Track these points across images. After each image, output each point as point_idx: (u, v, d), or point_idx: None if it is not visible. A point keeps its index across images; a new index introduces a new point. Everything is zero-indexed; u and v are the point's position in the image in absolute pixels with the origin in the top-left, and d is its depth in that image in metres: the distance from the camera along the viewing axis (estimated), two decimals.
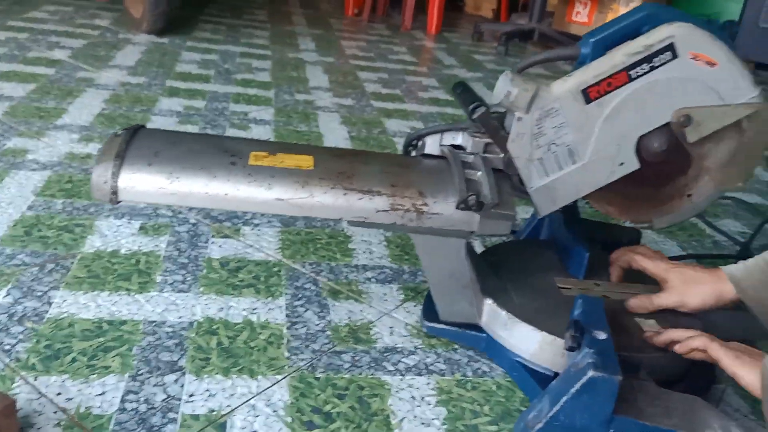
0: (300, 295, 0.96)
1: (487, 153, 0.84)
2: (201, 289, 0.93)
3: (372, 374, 0.81)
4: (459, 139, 0.86)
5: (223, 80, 2.05)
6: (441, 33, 3.67)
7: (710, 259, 1.27)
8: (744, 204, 1.59)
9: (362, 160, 0.80)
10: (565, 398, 0.66)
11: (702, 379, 0.84)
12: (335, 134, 1.71)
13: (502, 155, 0.83)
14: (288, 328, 0.88)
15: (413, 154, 0.90)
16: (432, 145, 0.87)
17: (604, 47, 0.82)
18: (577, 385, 0.66)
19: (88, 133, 1.46)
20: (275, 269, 1.02)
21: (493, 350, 0.87)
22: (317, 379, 0.79)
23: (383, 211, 0.76)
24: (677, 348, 0.76)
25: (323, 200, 0.75)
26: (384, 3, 4.06)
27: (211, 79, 2.05)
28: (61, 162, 1.30)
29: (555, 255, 0.99)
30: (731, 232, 1.42)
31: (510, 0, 4.38)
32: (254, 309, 0.91)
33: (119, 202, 0.72)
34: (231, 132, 1.60)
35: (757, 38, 3.96)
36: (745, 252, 1.31)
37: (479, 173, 0.79)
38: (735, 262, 0.82)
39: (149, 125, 1.56)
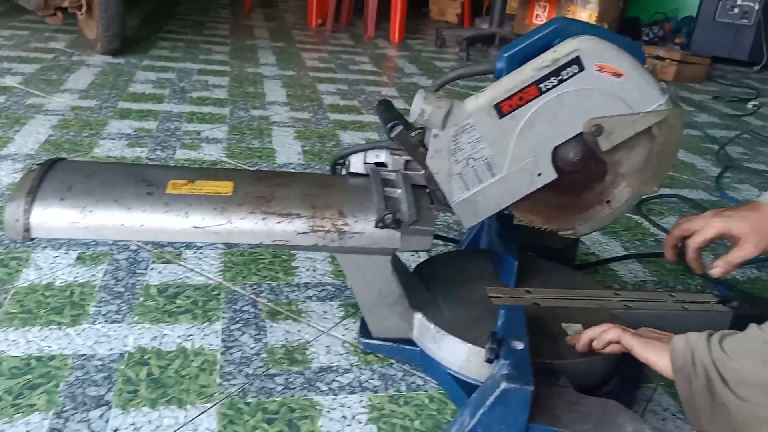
0: (238, 319, 0.96)
1: (408, 170, 0.85)
2: (135, 318, 0.93)
3: (304, 396, 0.82)
4: (382, 156, 0.87)
5: (178, 99, 2.05)
6: (404, 40, 3.70)
7: (653, 258, 1.30)
8: (690, 201, 1.62)
9: (283, 183, 0.81)
10: (481, 411, 0.68)
11: (629, 380, 0.86)
12: (288, 149, 1.71)
13: (423, 171, 0.84)
14: (222, 354, 0.88)
15: (343, 172, 0.92)
16: (357, 163, 0.88)
17: (518, 61, 0.83)
18: (492, 398, 0.67)
19: (33, 161, 1.45)
20: (214, 293, 1.03)
21: (426, 364, 0.88)
22: (248, 404, 0.79)
23: (303, 233, 0.77)
24: (594, 344, 0.78)
25: (242, 226, 0.75)
26: (348, 12, 4.07)
27: (165, 98, 2.04)
28: (2, 194, 1.29)
29: (490, 264, 1.01)
30: None
31: (474, 4, 4.42)
32: (189, 336, 0.91)
33: (32, 239, 0.72)
34: (182, 153, 1.59)
35: (713, 33, 4.03)
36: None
37: (399, 191, 0.81)
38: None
39: (97, 150, 1.55)
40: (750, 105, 2.94)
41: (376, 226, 0.76)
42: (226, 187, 0.78)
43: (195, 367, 0.85)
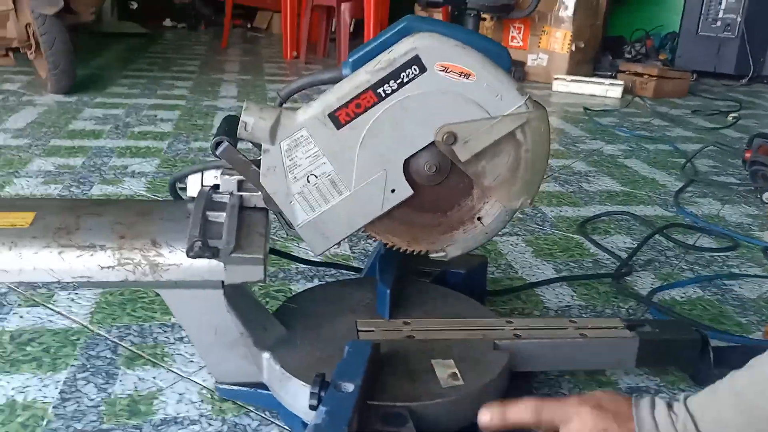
0: (89, 366, 0.87)
1: (245, 191, 0.76)
2: None
3: None
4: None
5: (117, 134, 1.99)
6: None
7: (584, 280, 1.18)
8: (639, 218, 1.50)
9: (95, 212, 0.72)
10: None
11: None
12: None
13: (261, 192, 0.75)
14: (55, 407, 0.78)
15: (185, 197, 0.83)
16: (194, 186, 0.79)
17: None
18: None
19: None
20: (74, 338, 0.93)
21: (282, 410, 0.77)
22: None
23: (109, 267, 0.67)
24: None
25: (34, 262, 0.66)
26: (324, 44, 4.05)
27: (104, 134, 1.99)
28: None
29: (372, 294, 0.90)
30: (618, 249, 1.33)
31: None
32: (25, 387, 0.82)
33: None
34: (98, 188, 1.52)
35: (696, 48, 3.93)
36: (622, 268, 1.22)
37: (223, 214, 0.71)
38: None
39: (8, 188, 1.49)
40: (730, 117, 2.82)
41: (188, 255, 0.67)
42: (24, 218, 0.69)
43: (18, 422, 0.75)
